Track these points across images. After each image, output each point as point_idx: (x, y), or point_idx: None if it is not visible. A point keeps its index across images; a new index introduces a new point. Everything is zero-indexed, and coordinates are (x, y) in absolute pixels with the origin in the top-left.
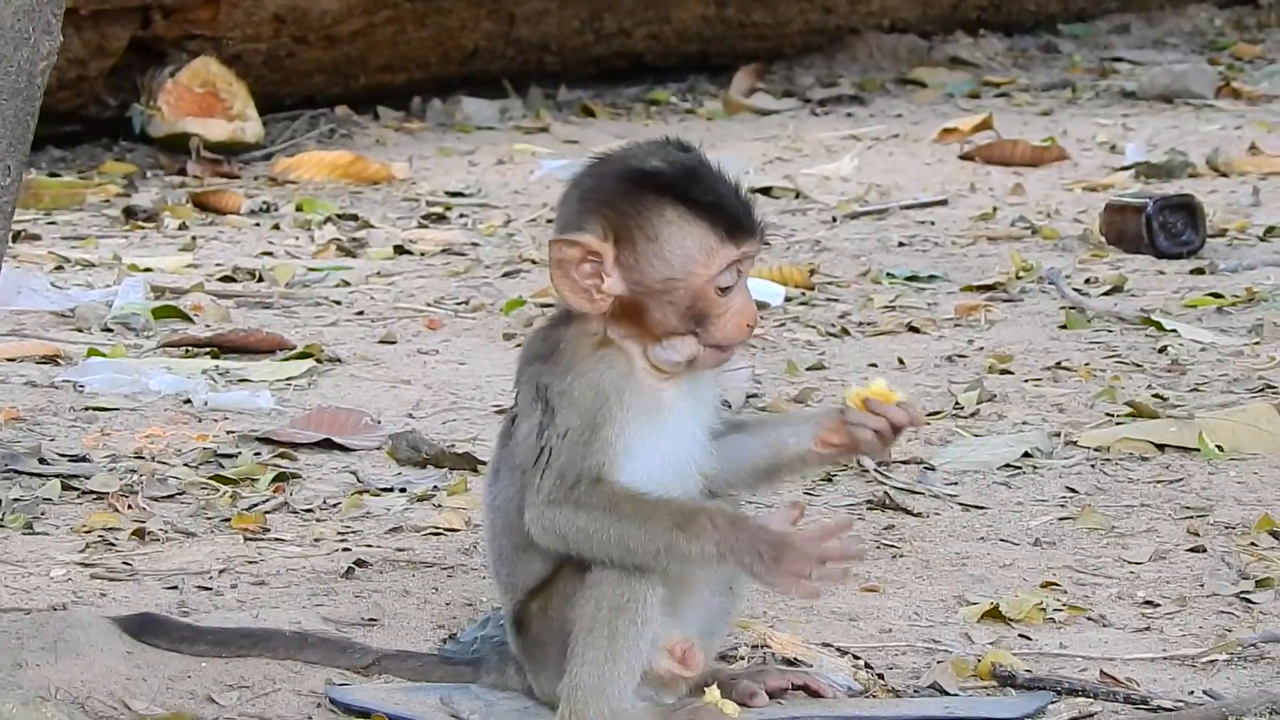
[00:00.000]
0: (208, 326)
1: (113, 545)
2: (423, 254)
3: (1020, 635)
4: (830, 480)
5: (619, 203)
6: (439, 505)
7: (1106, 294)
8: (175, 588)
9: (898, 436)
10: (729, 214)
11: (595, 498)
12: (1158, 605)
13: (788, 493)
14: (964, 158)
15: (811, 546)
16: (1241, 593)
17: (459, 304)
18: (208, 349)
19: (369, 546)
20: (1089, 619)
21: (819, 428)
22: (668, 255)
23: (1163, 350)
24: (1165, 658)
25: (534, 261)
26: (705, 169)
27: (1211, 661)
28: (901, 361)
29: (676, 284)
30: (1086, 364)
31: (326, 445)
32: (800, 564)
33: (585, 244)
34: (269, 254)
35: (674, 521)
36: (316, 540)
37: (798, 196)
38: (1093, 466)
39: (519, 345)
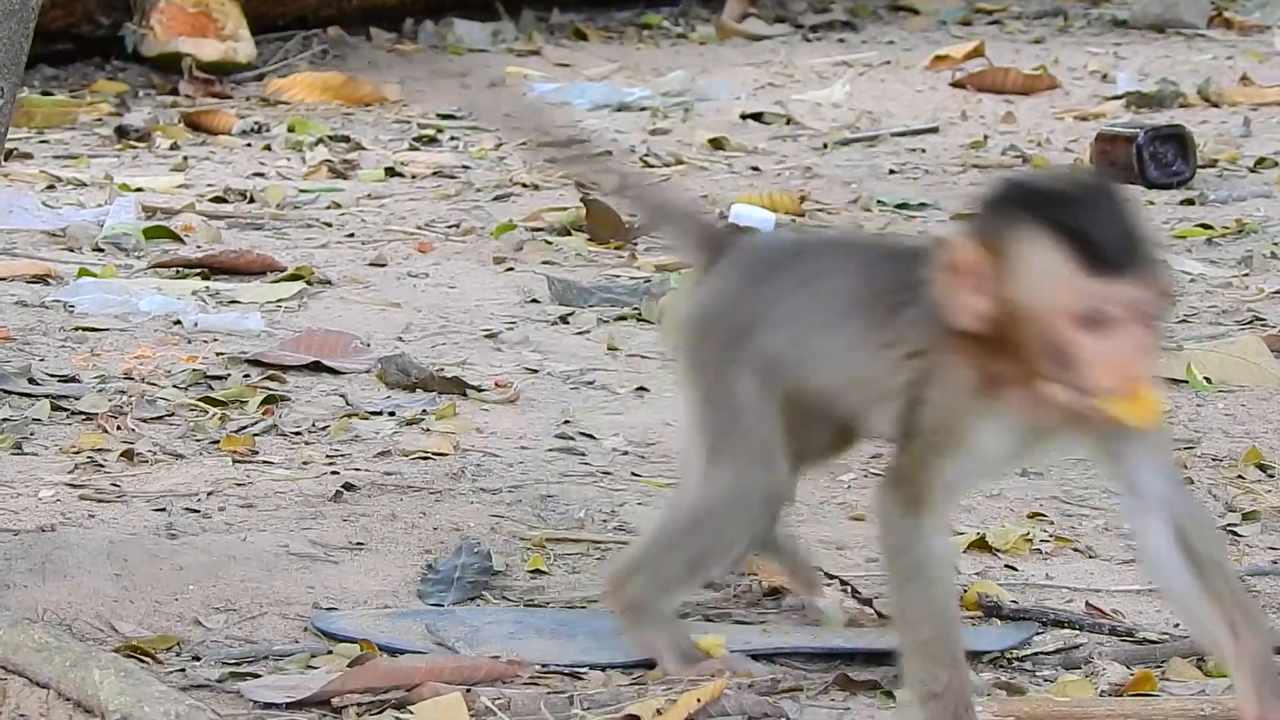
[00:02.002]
0: (198, 247)
1: (101, 466)
2: (414, 176)
3: (1006, 566)
4: None
5: (998, 215)
6: (427, 429)
7: None
8: (163, 509)
9: None
10: (1097, 246)
11: (925, 553)
12: None
13: None
14: (955, 85)
15: None
16: (1228, 525)
17: (449, 227)
18: (198, 270)
19: (357, 470)
20: (1075, 550)
21: None
22: (1024, 277)
23: None
24: (1151, 590)
25: (524, 185)
26: (1097, 198)
27: None
28: None
29: (1030, 311)
30: None
31: (316, 368)
32: None
33: (961, 250)
34: (260, 175)
35: (941, 649)
36: (305, 463)
37: (789, 123)
38: None
39: (509, 269)
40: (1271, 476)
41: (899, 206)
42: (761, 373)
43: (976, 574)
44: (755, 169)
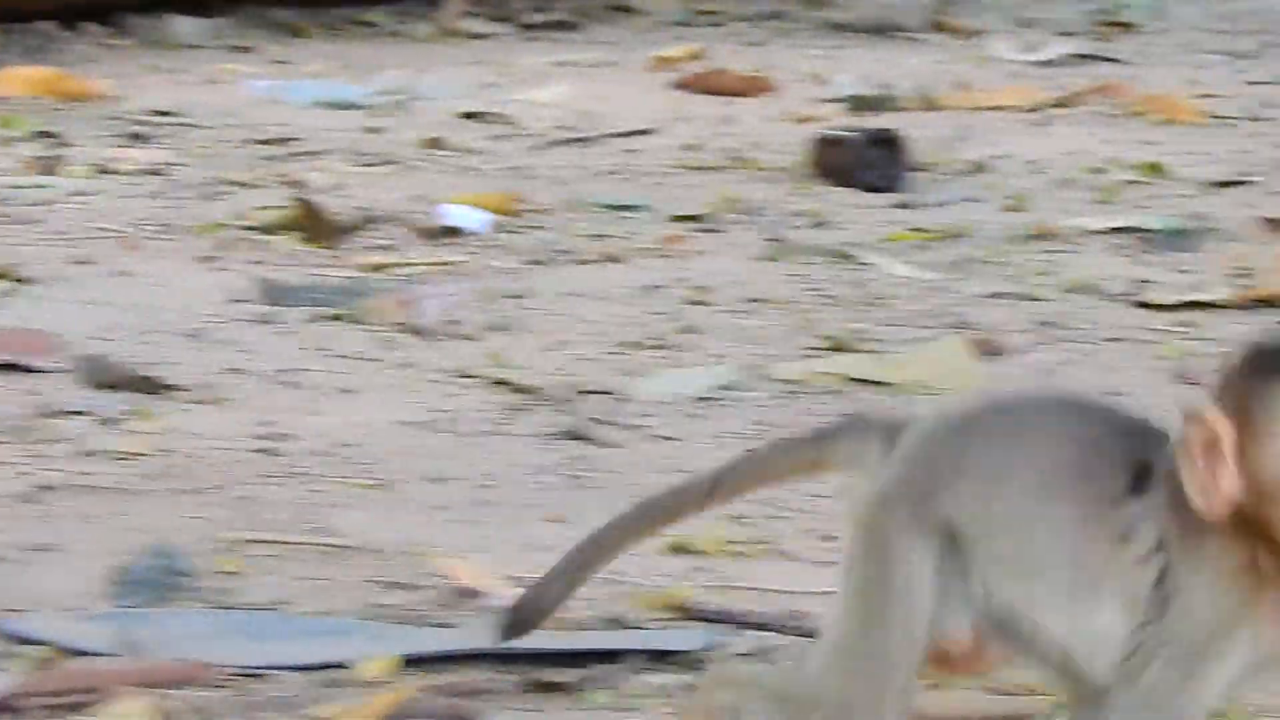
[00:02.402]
0: None
1: None
2: (125, 174)
3: (706, 568)
4: (520, 410)
5: (1251, 380)
6: (125, 430)
7: (809, 227)
8: None
9: None
10: None
11: None
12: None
13: None
14: (675, 86)
15: None
16: None
17: (159, 226)
18: None
19: (51, 471)
20: (775, 552)
21: None
22: None
23: (861, 284)
24: None
25: (236, 183)
26: None
27: None
28: (603, 293)
29: None
30: (786, 297)
31: (12, 367)
32: None
33: (1207, 420)
34: None
35: None
36: None
37: (506, 123)
38: (786, 400)
39: (218, 268)
40: None
41: (613, 208)
42: (936, 539)
43: (676, 576)
44: (470, 169)
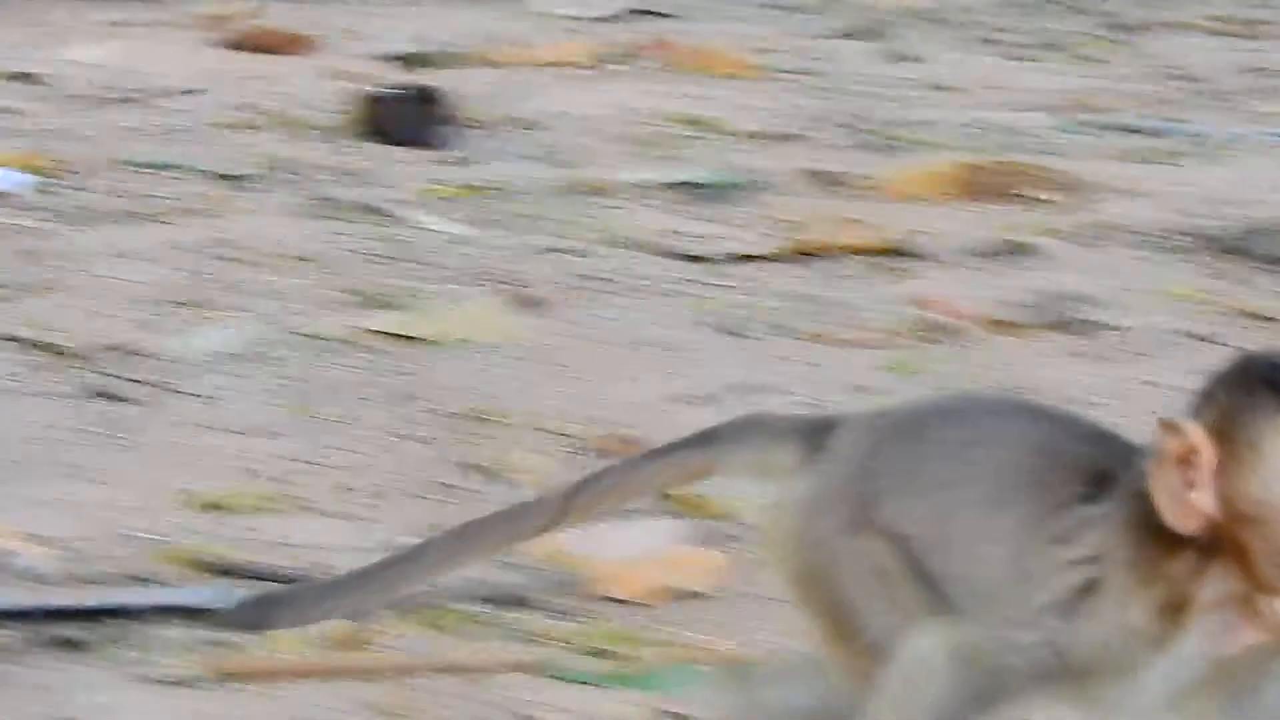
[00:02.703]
0: None
1: None
2: None
3: (234, 524)
4: (47, 370)
5: (1232, 395)
6: None
7: (351, 184)
8: None
9: None
10: None
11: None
12: (380, 494)
13: None
14: (221, 45)
15: None
16: (456, 479)
17: None
18: None
19: None
20: (307, 508)
21: None
22: (1266, 473)
23: (401, 241)
24: (379, 547)
25: None
26: None
27: None
28: (141, 253)
29: (1272, 514)
30: (325, 254)
31: None
32: None
33: (1185, 434)
34: None
35: None
36: None
37: (46, 83)
38: (319, 356)
39: None
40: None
41: (155, 167)
42: (890, 549)
43: (208, 534)
44: (8, 129)
